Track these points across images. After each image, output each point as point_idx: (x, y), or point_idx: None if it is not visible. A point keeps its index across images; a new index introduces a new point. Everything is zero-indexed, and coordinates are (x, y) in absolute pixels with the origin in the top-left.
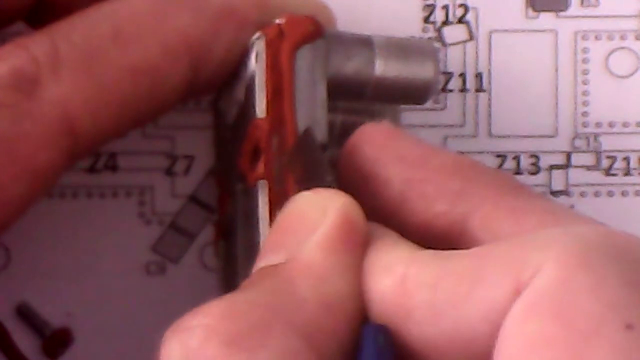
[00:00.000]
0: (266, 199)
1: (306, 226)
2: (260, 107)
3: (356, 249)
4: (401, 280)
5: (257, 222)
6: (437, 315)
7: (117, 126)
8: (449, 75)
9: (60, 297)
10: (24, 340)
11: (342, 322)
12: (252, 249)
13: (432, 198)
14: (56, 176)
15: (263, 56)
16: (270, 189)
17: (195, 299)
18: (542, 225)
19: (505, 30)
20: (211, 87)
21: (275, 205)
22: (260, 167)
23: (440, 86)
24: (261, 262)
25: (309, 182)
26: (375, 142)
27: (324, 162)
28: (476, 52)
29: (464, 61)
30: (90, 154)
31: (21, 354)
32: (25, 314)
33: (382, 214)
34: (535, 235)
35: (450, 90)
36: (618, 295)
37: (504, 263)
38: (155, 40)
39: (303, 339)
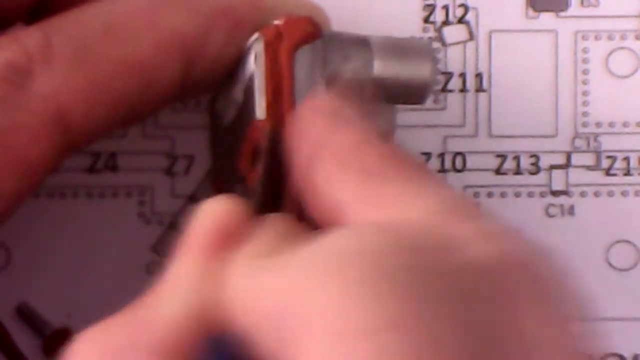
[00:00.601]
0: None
1: (187, 239)
2: (261, 109)
3: (223, 256)
4: (233, 291)
5: None
6: (254, 331)
7: (109, 121)
8: (449, 75)
9: (60, 297)
10: (24, 340)
11: (194, 338)
12: None
13: (319, 183)
14: (48, 169)
15: (262, 57)
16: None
17: None
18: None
19: (506, 30)
20: (204, 85)
21: None
22: (259, 169)
23: (439, 86)
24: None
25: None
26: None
27: None
28: (476, 52)
29: (464, 61)
30: (83, 147)
31: (21, 354)
32: (25, 313)
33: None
34: (307, 250)
35: (450, 90)
36: (362, 301)
37: (282, 284)
38: (149, 36)
39: (160, 355)
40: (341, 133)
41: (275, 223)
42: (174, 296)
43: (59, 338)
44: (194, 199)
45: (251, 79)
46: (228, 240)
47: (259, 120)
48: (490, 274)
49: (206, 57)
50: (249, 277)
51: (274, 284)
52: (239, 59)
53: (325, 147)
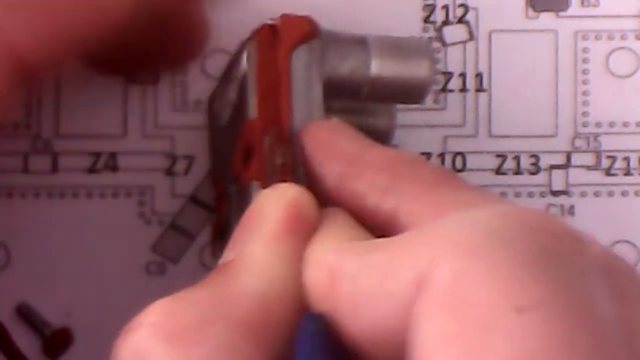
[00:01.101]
0: None
1: (259, 222)
2: (252, 108)
3: (299, 240)
4: (329, 271)
5: None
6: (357, 309)
7: (63, 49)
8: (449, 75)
9: (60, 297)
10: (24, 340)
11: (281, 314)
12: None
13: (362, 194)
14: (6, 104)
15: (255, 57)
16: (262, 190)
17: None
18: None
19: (506, 30)
20: (155, 25)
21: None
22: (253, 168)
23: (439, 85)
24: (220, 261)
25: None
26: (315, 140)
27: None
28: (476, 52)
29: (464, 61)
30: (40, 79)
31: (21, 354)
32: (25, 314)
33: None
34: (434, 226)
35: (451, 90)
36: (509, 280)
37: (407, 256)
38: None
39: (241, 333)
40: (373, 151)
41: (337, 213)
42: (258, 275)
43: (59, 338)
44: (194, 199)
45: (244, 79)
46: (303, 224)
47: (251, 119)
48: (608, 272)
49: None
50: (356, 256)
51: (394, 262)
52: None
53: (359, 164)
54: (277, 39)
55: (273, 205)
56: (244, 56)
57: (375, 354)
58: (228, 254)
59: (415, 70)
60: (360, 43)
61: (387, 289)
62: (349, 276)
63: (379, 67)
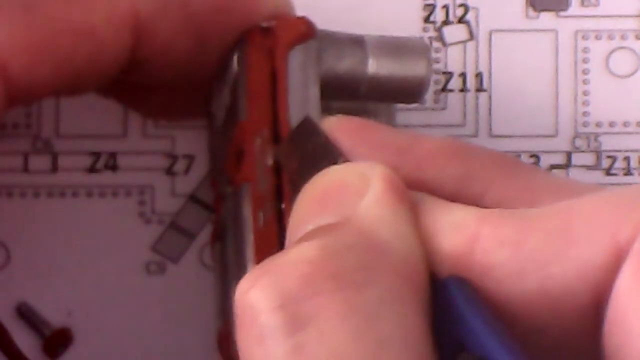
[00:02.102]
0: (249, 201)
1: (352, 192)
2: (243, 110)
3: (409, 207)
4: (473, 238)
5: (242, 225)
6: (521, 273)
7: (53, 81)
8: (449, 75)
9: (60, 296)
10: (24, 340)
11: (422, 272)
12: (240, 253)
13: (434, 183)
14: None
15: (245, 59)
16: (253, 191)
17: (195, 299)
18: (559, 199)
19: (506, 30)
20: (153, 71)
21: (258, 207)
22: (244, 169)
23: (439, 85)
24: (299, 230)
25: (315, 165)
26: (349, 133)
27: (330, 143)
28: (476, 52)
29: (464, 61)
30: (24, 104)
31: (21, 354)
32: (25, 313)
33: None
34: (621, 193)
35: (451, 90)
36: None
37: (596, 221)
38: (103, 5)
39: (401, 282)
40: (424, 140)
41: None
42: (392, 231)
43: (59, 338)
44: (194, 198)
45: (235, 81)
46: (404, 194)
47: (242, 121)
48: None
49: (156, 40)
50: (517, 221)
51: (579, 226)
52: (197, 57)
53: (415, 155)
54: (272, 39)
55: (362, 177)
56: (235, 58)
57: (531, 318)
58: (316, 222)
59: (413, 69)
60: (358, 42)
61: (570, 253)
62: (505, 242)
63: (376, 66)
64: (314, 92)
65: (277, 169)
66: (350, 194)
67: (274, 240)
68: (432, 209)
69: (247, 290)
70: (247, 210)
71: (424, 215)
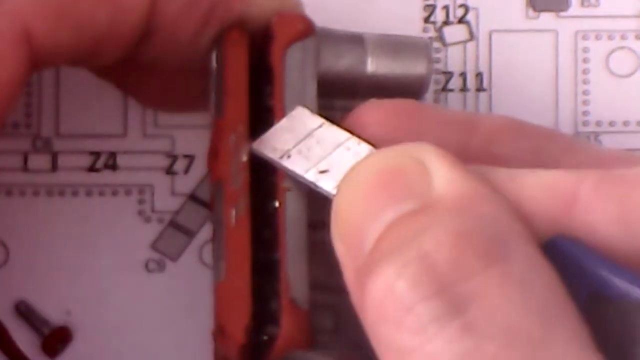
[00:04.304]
0: (222, 199)
1: (416, 174)
2: (219, 107)
3: (480, 177)
4: (572, 198)
5: (217, 222)
6: (628, 229)
7: (74, 47)
8: (449, 75)
9: (59, 295)
10: (23, 338)
11: (532, 235)
12: (215, 250)
13: (505, 158)
14: (18, 87)
15: (221, 55)
16: (227, 189)
17: (194, 297)
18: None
19: (506, 30)
20: (160, 45)
21: (231, 204)
22: (218, 167)
23: (439, 85)
24: (372, 221)
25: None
26: (397, 115)
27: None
28: (476, 52)
29: (465, 61)
30: (45, 68)
31: (20, 352)
32: (24, 312)
33: None
34: None
35: (451, 90)
36: None
37: None
38: None
39: (534, 248)
40: (481, 116)
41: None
42: (491, 202)
43: (58, 336)
44: (194, 197)
45: (213, 78)
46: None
47: (217, 119)
48: None
49: (167, 12)
50: (622, 179)
51: None
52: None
53: (482, 127)
54: (269, 36)
55: (415, 159)
56: (213, 56)
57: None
58: (395, 211)
59: (413, 68)
60: (357, 41)
61: None
62: (612, 198)
63: (375, 64)
64: (311, 90)
65: (251, 166)
66: (415, 177)
67: (245, 237)
68: (510, 177)
69: (394, 282)
70: (221, 208)
71: (504, 184)
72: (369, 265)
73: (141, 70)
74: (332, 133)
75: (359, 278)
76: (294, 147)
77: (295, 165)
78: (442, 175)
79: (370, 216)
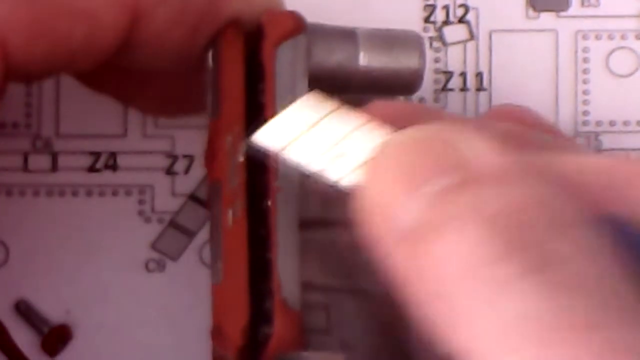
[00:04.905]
0: (219, 200)
1: (446, 151)
2: (215, 108)
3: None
4: (628, 182)
5: (214, 223)
6: None
7: (49, 60)
8: (449, 75)
9: (59, 294)
10: (22, 337)
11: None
12: (213, 251)
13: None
14: None
15: (217, 56)
16: (224, 190)
17: (194, 297)
18: None
19: (506, 30)
20: (146, 58)
21: (228, 205)
22: (215, 168)
23: (440, 85)
24: (411, 191)
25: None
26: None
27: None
28: (476, 52)
29: (465, 61)
30: (18, 81)
31: (20, 351)
32: (24, 310)
33: None
34: None
35: (451, 90)
36: None
37: None
38: None
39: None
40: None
41: None
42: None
43: (57, 335)
44: (194, 197)
45: (209, 79)
46: None
47: (214, 120)
48: None
49: (153, 26)
50: None
51: None
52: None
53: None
54: (259, 35)
55: (440, 139)
56: (209, 56)
57: None
58: (438, 184)
59: (405, 61)
60: (349, 36)
61: None
62: None
63: (367, 59)
64: (303, 87)
65: (248, 166)
66: (447, 154)
67: (242, 238)
68: (560, 159)
69: (469, 240)
70: (218, 209)
71: (551, 164)
72: (426, 231)
73: (137, 80)
74: (346, 118)
75: (409, 246)
76: (299, 136)
77: (299, 155)
78: (477, 147)
79: (411, 184)
